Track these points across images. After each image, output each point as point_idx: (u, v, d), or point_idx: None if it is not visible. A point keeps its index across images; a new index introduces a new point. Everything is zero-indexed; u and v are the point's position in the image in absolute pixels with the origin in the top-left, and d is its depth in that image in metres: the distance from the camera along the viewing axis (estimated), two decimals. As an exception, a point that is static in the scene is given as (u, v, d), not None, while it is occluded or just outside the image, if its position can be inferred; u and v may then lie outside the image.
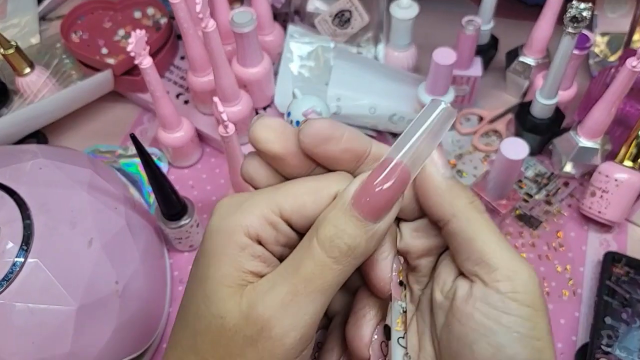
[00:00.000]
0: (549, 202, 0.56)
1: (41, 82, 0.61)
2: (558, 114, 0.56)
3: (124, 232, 0.44)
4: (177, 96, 0.64)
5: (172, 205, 0.48)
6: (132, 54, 0.47)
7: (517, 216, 0.55)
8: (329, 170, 0.23)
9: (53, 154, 0.46)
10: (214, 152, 0.62)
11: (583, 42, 0.53)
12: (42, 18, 0.73)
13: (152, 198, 0.57)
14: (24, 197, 0.40)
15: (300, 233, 0.22)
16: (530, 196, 0.56)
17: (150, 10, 0.69)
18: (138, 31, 0.47)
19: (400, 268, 0.22)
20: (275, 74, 0.61)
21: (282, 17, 0.68)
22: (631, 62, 0.44)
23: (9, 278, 0.37)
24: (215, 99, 0.43)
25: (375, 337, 0.22)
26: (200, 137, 0.61)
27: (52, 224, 0.40)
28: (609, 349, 0.45)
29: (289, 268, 0.21)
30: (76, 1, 0.70)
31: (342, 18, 0.62)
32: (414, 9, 0.57)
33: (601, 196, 0.51)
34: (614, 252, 0.51)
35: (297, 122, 0.52)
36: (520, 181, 0.57)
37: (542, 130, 0.56)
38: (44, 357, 0.37)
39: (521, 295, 0.21)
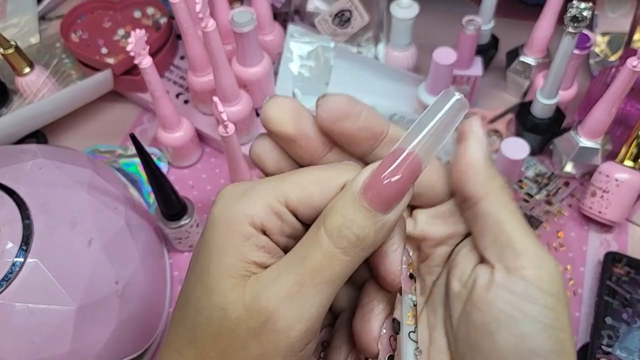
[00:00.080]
0: (549, 202, 0.56)
1: (41, 82, 0.61)
2: (558, 113, 0.56)
3: (123, 232, 0.44)
4: (177, 96, 0.64)
5: (172, 205, 0.48)
6: (132, 54, 0.47)
7: (517, 216, 0.55)
8: (343, 156, 0.22)
9: (53, 154, 0.46)
10: (214, 152, 0.62)
11: (583, 42, 0.53)
12: (42, 18, 0.73)
13: (152, 198, 0.57)
14: (24, 197, 0.40)
15: (306, 224, 0.21)
16: (531, 196, 0.56)
17: (150, 10, 0.69)
18: (138, 31, 0.47)
19: (410, 261, 0.22)
20: (275, 73, 0.61)
21: (282, 17, 0.68)
22: (631, 61, 0.44)
23: (8, 278, 0.37)
24: (215, 98, 0.43)
25: (384, 331, 0.21)
26: (200, 137, 0.61)
27: (52, 224, 0.40)
28: (609, 349, 0.45)
29: (295, 258, 0.20)
30: (76, 1, 0.70)
31: (342, 18, 0.61)
32: (414, 9, 0.57)
33: (602, 196, 0.51)
34: (614, 252, 0.51)
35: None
36: (520, 181, 0.57)
37: (543, 130, 0.56)
38: (43, 357, 0.37)
39: (546, 284, 0.20)
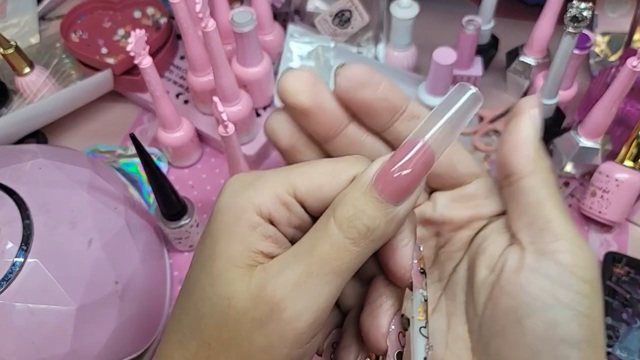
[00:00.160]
0: (549, 202, 0.55)
1: (41, 82, 0.61)
2: (558, 113, 0.56)
3: (123, 232, 0.44)
4: (177, 96, 0.64)
5: (172, 205, 0.48)
6: (132, 54, 0.47)
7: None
8: (360, 132, 0.22)
9: (53, 154, 0.46)
10: (214, 152, 0.62)
11: (583, 42, 0.53)
12: (42, 18, 0.73)
13: (152, 198, 0.57)
14: (24, 197, 0.40)
15: (314, 217, 0.21)
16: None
17: (150, 10, 0.69)
18: (138, 31, 0.47)
19: (421, 256, 0.21)
20: (275, 74, 0.61)
21: (282, 17, 0.68)
22: (631, 61, 0.44)
23: (8, 278, 0.37)
24: (215, 98, 0.43)
25: (393, 327, 0.21)
26: (200, 137, 0.61)
27: (52, 224, 0.40)
28: (609, 349, 0.45)
29: (303, 248, 0.20)
30: (76, 1, 0.70)
31: (342, 18, 0.61)
32: (414, 9, 0.57)
33: (602, 196, 0.51)
34: (614, 252, 0.51)
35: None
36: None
37: (543, 130, 0.56)
38: (43, 357, 0.37)
39: (582, 270, 0.20)
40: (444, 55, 0.53)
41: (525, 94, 0.62)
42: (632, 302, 0.47)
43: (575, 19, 0.45)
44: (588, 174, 0.56)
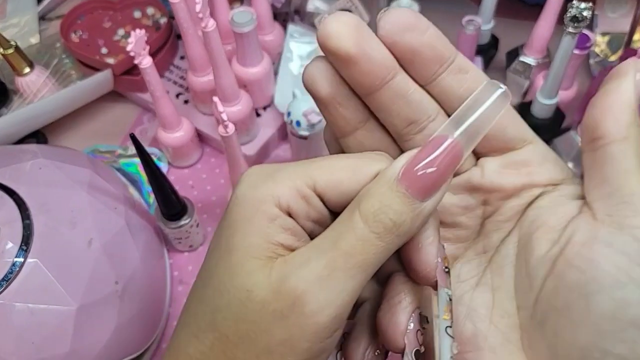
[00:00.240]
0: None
1: (41, 82, 0.61)
2: (558, 113, 0.56)
3: (123, 232, 0.44)
4: (177, 96, 0.64)
5: (172, 205, 0.48)
6: (132, 54, 0.47)
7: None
8: (404, 84, 0.20)
9: (53, 154, 0.46)
10: (214, 152, 0.62)
11: (583, 42, 0.53)
12: (42, 18, 0.73)
13: (152, 198, 0.57)
14: (24, 197, 0.40)
15: (333, 212, 0.21)
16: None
17: (150, 10, 0.69)
18: (138, 31, 0.47)
19: (445, 255, 0.21)
20: (275, 73, 0.61)
21: (282, 17, 0.68)
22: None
23: (8, 278, 0.37)
24: (215, 98, 0.43)
25: (411, 325, 0.20)
26: (200, 137, 0.61)
27: (52, 224, 0.40)
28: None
29: (326, 242, 0.19)
30: (76, 1, 0.70)
31: (342, 18, 0.61)
32: (414, 9, 0.57)
33: (601, 196, 0.51)
34: None
35: (297, 122, 0.52)
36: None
37: (543, 130, 0.56)
38: (43, 357, 0.37)
39: None
40: (444, 55, 0.53)
41: (525, 94, 0.62)
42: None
43: (575, 19, 0.45)
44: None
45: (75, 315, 0.38)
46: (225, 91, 0.54)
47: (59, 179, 0.43)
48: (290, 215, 0.20)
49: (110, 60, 0.64)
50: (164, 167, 0.60)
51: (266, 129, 0.60)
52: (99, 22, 0.68)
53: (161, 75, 0.65)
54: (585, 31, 0.52)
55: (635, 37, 0.60)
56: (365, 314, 0.23)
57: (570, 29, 0.46)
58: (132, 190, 0.54)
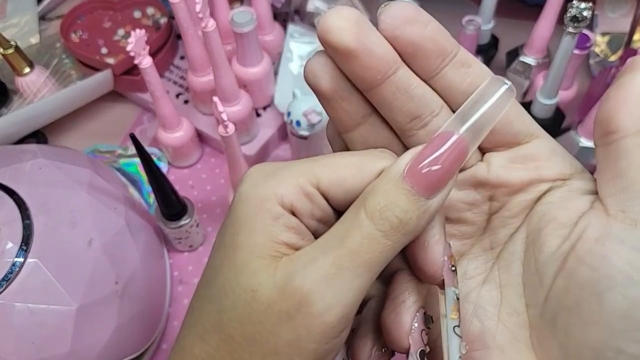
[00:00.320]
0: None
1: (41, 82, 0.61)
2: (558, 113, 0.56)
3: (123, 232, 0.44)
4: (177, 96, 0.64)
5: (171, 205, 0.48)
6: (132, 54, 0.47)
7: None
8: (407, 78, 0.20)
9: (53, 154, 0.46)
10: (214, 152, 0.62)
11: (583, 42, 0.53)
12: (42, 18, 0.73)
13: (152, 198, 0.57)
14: (24, 197, 0.40)
15: (337, 210, 0.20)
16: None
17: (150, 10, 0.69)
18: (138, 31, 0.47)
19: (451, 253, 0.20)
20: (275, 73, 0.61)
21: (282, 17, 0.68)
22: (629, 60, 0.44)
23: (8, 278, 0.37)
24: (215, 98, 0.43)
25: (416, 325, 0.20)
26: (200, 137, 0.61)
27: (52, 224, 0.40)
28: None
29: (332, 240, 0.19)
30: (76, 1, 0.70)
31: (342, 18, 0.61)
32: (414, 9, 0.57)
33: (601, 196, 0.51)
34: None
35: (297, 122, 0.52)
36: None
37: (544, 130, 0.56)
38: (43, 357, 0.37)
39: None
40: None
41: (525, 94, 0.62)
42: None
43: (575, 19, 0.45)
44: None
45: (75, 315, 0.38)
46: (225, 91, 0.54)
47: (59, 179, 0.43)
48: (294, 213, 0.20)
49: (110, 60, 0.64)
50: (164, 167, 0.60)
51: (266, 129, 0.60)
52: (99, 22, 0.68)
53: (161, 75, 0.65)
54: (585, 31, 0.52)
55: (635, 37, 0.60)
56: (370, 312, 0.22)
57: (570, 29, 0.46)
58: (132, 190, 0.54)
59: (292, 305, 0.18)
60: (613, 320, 0.18)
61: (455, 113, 0.19)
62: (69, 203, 0.42)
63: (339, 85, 0.21)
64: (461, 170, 0.22)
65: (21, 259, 0.38)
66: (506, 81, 0.20)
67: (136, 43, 0.47)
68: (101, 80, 0.61)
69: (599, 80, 0.58)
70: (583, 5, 0.44)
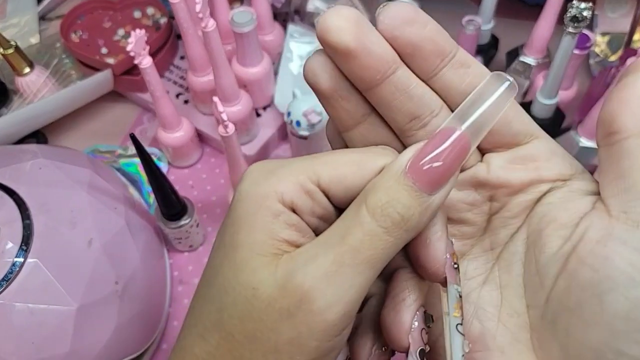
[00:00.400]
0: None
1: (41, 82, 0.61)
2: (558, 113, 0.56)
3: (123, 232, 0.44)
4: (177, 96, 0.64)
5: (171, 205, 0.48)
6: (132, 54, 0.47)
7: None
8: (406, 78, 0.20)
9: (53, 154, 0.46)
10: (214, 152, 0.62)
11: (583, 42, 0.53)
12: (42, 18, 0.73)
13: (152, 198, 0.57)
14: (24, 197, 0.40)
15: (337, 208, 0.20)
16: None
17: (150, 10, 0.69)
18: (138, 31, 0.47)
19: (453, 250, 0.20)
20: (275, 73, 0.61)
21: (282, 17, 0.68)
22: (632, 61, 0.44)
23: (8, 278, 0.37)
24: (215, 98, 0.43)
25: (416, 323, 0.20)
26: (200, 137, 0.61)
27: (52, 224, 0.40)
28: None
29: (333, 237, 0.19)
30: (76, 1, 0.70)
31: (342, 18, 0.61)
32: (414, 9, 0.57)
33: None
34: None
35: (297, 122, 0.52)
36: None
37: (543, 130, 0.56)
38: (43, 357, 0.37)
39: None
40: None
41: (525, 94, 0.62)
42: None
43: (575, 19, 0.45)
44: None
45: (75, 315, 0.38)
46: (225, 91, 0.54)
47: (59, 179, 0.43)
48: (294, 211, 0.20)
49: (110, 60, 0.64)
50: (164, 167, 0.60)
51: (266, 129, 0.60)
52: (99, 22, 0.68)
53: (161, 75, 0.65)
54: (585, 31, 0.52)
55: (635, 37, 0.60)
56: (371, 310, 0.22)
57: (570, 29, 0.46)
58: (132, 190, 0.54)
59: (293, 303, 0.18)
60: (614, 322, 0.18)
61: (457, 109, 0.19)
62: (69, 203, 0.42)
63: (338, 84, 0.21)
64: (461, 171, 0.22)
65: (21, 259, 0.38)
66: (508, 77, 0.19)
67: (136, 43, 0.47)
68: (101, 80, 0.61)
69: (599, 80, 0.58)
70: (583, 5, 0.44)
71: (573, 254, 0.19)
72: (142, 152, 0.42)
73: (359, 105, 0.21)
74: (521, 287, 0.21)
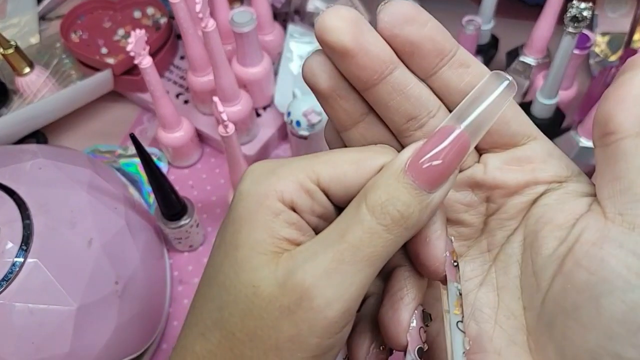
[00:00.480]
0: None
1: (41, 82, 0.61)
2: (558, 113, 0.56)
3: (123, 232, 0.44)
4: (177, 96, 0.64)
5: (171, 205, 0.48)
6: (132, 54, 0.47)
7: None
8: (404, 78, 0.20)
9: (53, 154, 0.46)
10: (214, 152, 0.62)
11: (583, 42, 0.53)
12: (42, 18, 0.73)
13: (152, 198, 0.57)
14: (24, 197, 0.40)
15: (337, 206, 0.20)
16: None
17: (150, 10, 0.69)
18: (138, 31, 0.47)
19: (453, 248, 0.20)
20: (275, 73, 0.61)
21: (282, 17, 0.68)
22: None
23: (8, 278, 0.37)
24: (215, 98, 0.43)
25: (414, 322, 0.20)
26: (200, 137, 0.61)
27: (52, 224, 0.40)
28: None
29: (333, 235, 0.19)
30: (76, 1, 0.70)
31: (342, 18, 0.61)
32: (414, 9, 0.57)
33: (601, 196, 0.51)
34: None
35: (297, 122, 0.52)
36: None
37: (543, 130, 0.56)
38: (43, 357, 0.37)
39: None
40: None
41: (525, 94, 0.62)
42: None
43: (575, 19, 0.45)
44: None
45: (75, 315, 0.38)
46: (225, 91, 0.54)
47: (59, 179, 0.43)
48: (294, 210, 0.20)
49: (110, 60, 0.64)
50: (164, 167, 0.60)
51: (266, 129, 0.60)
52: (99, 22, 0.68)
53: (161, 75, 0.65)
54: (585, 31, 0.52)
55: (635, 37, 0.61)
56: (369, 309, 0.22)
57: (570, 29, 0.46)
58: (132, 190, 0.54)
59: (293, 300, 0.18)
60: (611, 325, 0.18)
61: (456, 108, 0.19)
62: (69, 203, 0.42)
63: (336, 83, 0.21)
64: (460, 171, 0.22)
65: (21, 259, 0.38)
66: (507, 76, 0.19)
67: (136, 43, 0.47)
68: (101, 80, 0.61)
69: (599, 80, 0.58)
70: (583, 5, 0.44)
71: (569, 256, 0.19)
72: (142, 152, 0.42)
73: (357, 105, 0.21)
74: (518, 288, 0.21)
